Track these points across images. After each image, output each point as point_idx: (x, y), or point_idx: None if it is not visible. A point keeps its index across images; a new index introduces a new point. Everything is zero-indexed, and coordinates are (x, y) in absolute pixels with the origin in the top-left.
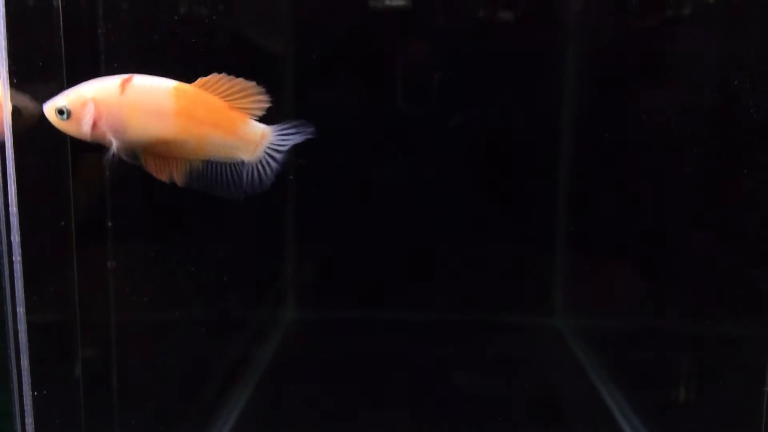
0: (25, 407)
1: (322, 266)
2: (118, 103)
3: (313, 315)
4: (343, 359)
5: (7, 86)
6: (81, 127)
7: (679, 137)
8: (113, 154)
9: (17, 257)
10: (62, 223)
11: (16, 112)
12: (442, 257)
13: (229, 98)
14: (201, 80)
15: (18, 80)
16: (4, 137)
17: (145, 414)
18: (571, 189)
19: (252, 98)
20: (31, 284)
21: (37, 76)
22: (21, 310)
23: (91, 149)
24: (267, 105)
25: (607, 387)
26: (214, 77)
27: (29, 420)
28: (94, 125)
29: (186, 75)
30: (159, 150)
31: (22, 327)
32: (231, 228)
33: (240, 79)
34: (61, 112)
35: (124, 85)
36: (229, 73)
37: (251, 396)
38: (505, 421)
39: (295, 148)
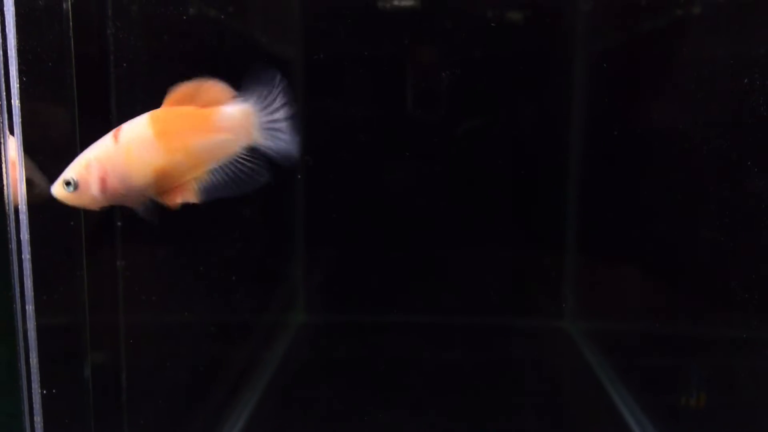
0: (34, 406)
1: (331, 269)
2: (117, 153)
3: (323, 318)
4: (352, 362)
5: (17, 88)
6: (90, 192)
7: (689, 138)
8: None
9: (27, 255)
10: (72, 223)
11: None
12: (451, 260)
13: (198, 102)
14: (168, 98)
15: (27, 80)
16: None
17: (154, 415)
18: (581, 191)
19: (217, 91)
20: (41, 283)
21: (47, 77)
22: (30, 308)
23: None
24: (233, 94)
25: (617, 390)
26: (177, 91)
27: (38, 419)
28: (103, 185)
29: (194, 76)
30: (166, 181)
31: (32, 325)
32: (241, 230)
33: (199, 80)
34: (68, 183)
35: (116, 135)
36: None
37: (261, 398)
38: (515, 423)
39: (303, 148)
